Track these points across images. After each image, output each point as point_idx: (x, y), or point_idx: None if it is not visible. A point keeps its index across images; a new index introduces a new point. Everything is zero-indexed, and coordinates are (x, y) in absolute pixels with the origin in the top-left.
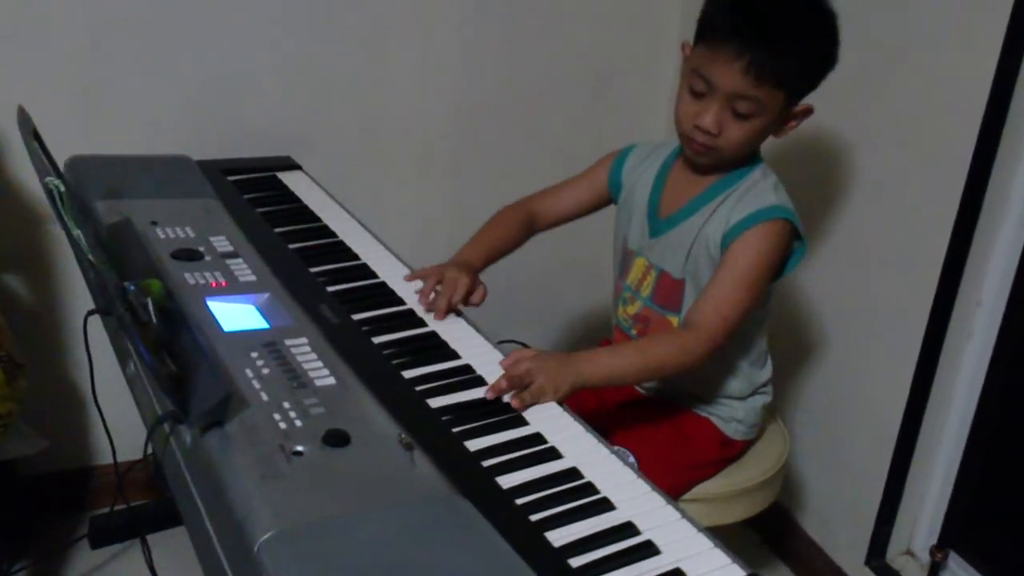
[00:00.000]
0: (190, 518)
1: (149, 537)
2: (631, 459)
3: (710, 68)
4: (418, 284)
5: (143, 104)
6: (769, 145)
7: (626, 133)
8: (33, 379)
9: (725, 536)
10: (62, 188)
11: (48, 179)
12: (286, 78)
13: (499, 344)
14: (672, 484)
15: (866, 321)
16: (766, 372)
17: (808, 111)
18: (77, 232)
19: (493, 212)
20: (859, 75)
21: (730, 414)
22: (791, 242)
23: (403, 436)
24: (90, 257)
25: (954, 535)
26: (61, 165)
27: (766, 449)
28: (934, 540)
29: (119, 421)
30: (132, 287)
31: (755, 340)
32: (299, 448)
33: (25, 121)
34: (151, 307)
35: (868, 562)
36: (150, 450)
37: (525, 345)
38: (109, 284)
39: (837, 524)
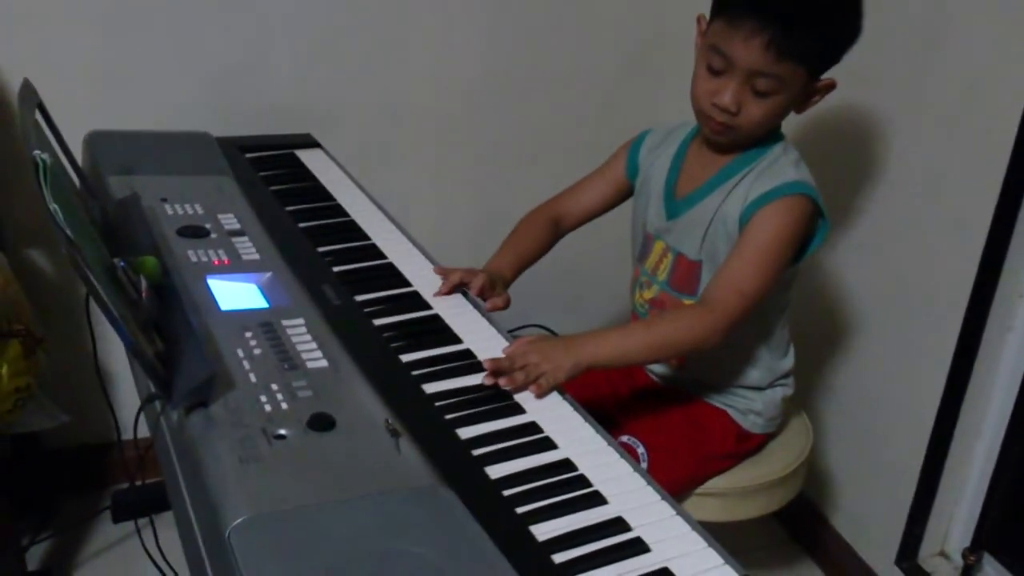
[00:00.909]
0: (174, 499)
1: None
2: (641, 450)
3: (729, 45)
4: (428, 266)
5: (166, 81)
6: (800, 122)
7: (655, 115)
8: (58, 353)
9: (751, 530)
10: (48, 161)
11: (36, 152)
12: (308, 55)
13: (520, 329)
14: (683, 477)
15: (900, 311)
16: (787, 362)
17: (831, 86)
18: (54, 206)
19: (513, 195)
20: (897, 53)
21: (747, 406)
22: (813, 220)
23: (390, 422)
24: (67, 232)
25: (989, 537)
26: (80, 140)
27: (787, 443)
28: (968, 542)
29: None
30: (123, 264)
31: (775, 327)
32: (282, 431)
33: (30, 94)
34: (143, 284)
35: (899, 562)
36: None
37: (549, 330)
38: (81, 260)
39: (867, 522)
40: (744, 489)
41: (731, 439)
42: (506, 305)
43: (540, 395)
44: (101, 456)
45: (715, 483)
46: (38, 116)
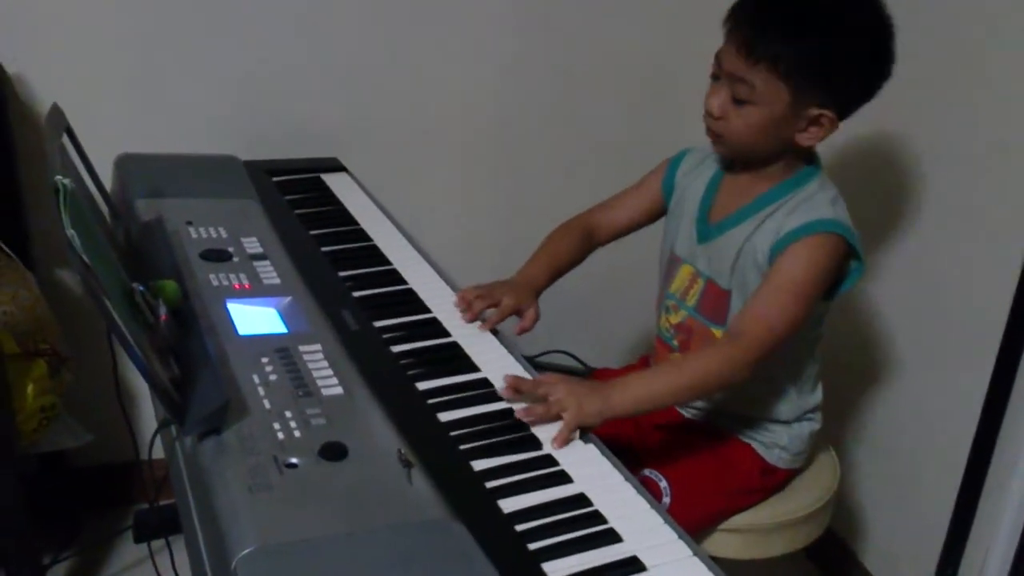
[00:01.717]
0: (186, 525)
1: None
2: (663, 484)
3: (721, 49)
4: (448, 292)
5: (197, 105)
6: (834, 152)
7: (681, 133)
8: (83, 373)
9: (780, 567)
10: (69, 187)
11: (57, 177)
12: (335, 80)
13: (544, 355)
14: (707, 512)
15: (933, 343)
16: (815, 397)
17: (832, 121)
18: (71, 232)
19: (539, 216)
20: (934, 79)
21: (773, 440)
22: (846, 260)
23: (402, 452)
24: (83, 257)
25: None
26: (110, 163)
27: (814, 479)
28: None
29: None
30: (142, 288)
31: (805, 362)
32: (293, 460)
33: (58, 119)
34: (162, 309)
35: None
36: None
37: (574, 356)
38: (96, 285)
39: (899, 560)
40: (769, 526)
41: (756, 473)
42: (535, 321)
43: (563, 438)
44: (124, 476)
45: (739, 519)
46: (66, 140)
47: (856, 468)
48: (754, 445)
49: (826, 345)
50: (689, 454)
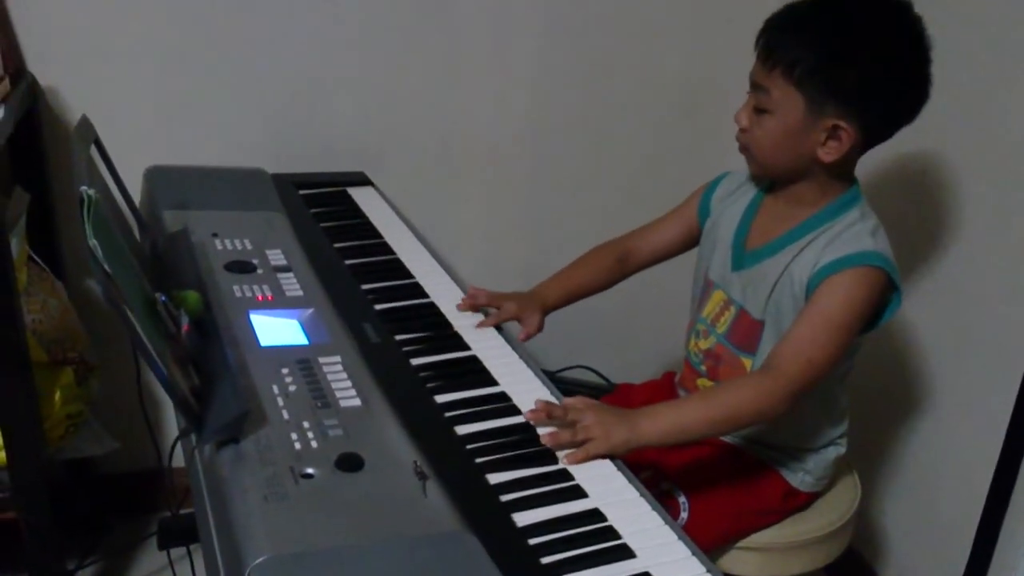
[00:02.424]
0: (203, 532)
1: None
2: (682, 499)
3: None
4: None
5: (229, 118)
6: (862, 171)
7: (717, 154)
8: (111, 381)
9: None
10: (93, 197)
11: (82, 188)
12: (364, 95)
13: (567, 370)
14: (723, 530)
15: (957, 365)
16: (843, 425)
17: (849, 134)
18: (93, 242)
19: (565, 233)
20: (965, 103)
21: (798, 464)
22: (886, 293)
23: (418, 464)
24: (105, 267)
25: None
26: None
27: (835, 499)
28: None
29: None
30: (164, 298)
31: (836, 395)
32: (309, 471)
33: (86, 130)
34: (184, 319)
35: None
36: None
37: (597, 372)
38: (117, 295)
39: None
40: (788, 545)
41: (778, 496)
42: (537, 331)
43: (580, 460)
44: (150, 483)
45: (758, 538)
46: (95, 152)
47: (878, 488)
48: (778, 468)
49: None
50: (710, 471)
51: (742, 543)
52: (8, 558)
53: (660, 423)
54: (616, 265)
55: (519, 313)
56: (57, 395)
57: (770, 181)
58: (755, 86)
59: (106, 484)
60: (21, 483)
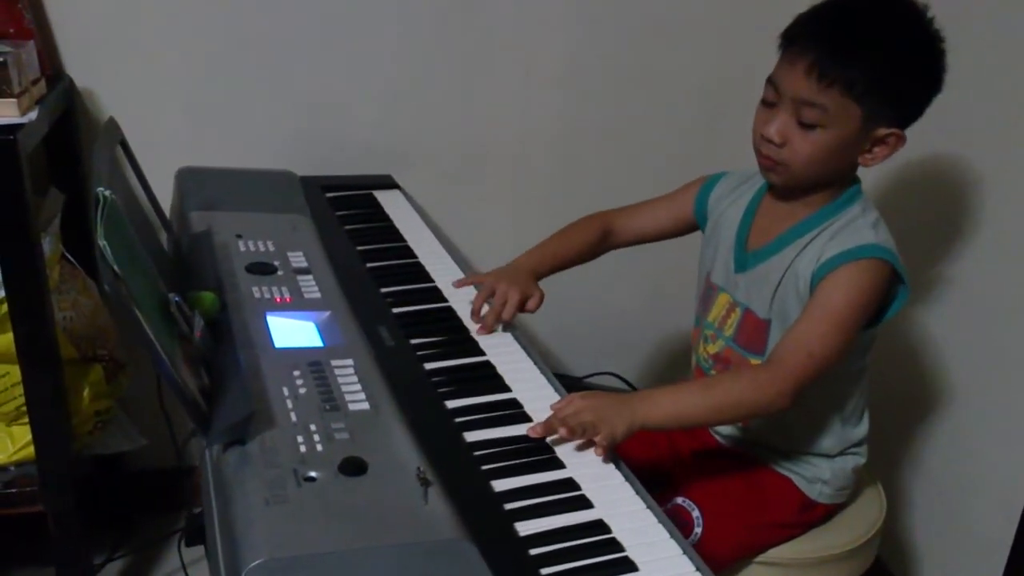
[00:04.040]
0: (208, 532)
1: None
2: (696, 513)
3: (779, 73)
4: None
5: (258, 120)
6: (889, 173)
7: (746, 158)
8: (140, 379)
9: None
10: (108, 198)
11: (99, 188)
12: (393, 98)
13: (592, 376)
14: (738, 545)
15: (986, 371)
16: (861, 430)
17: (899, 137)
18: (103, 242)
19: None
20: (992, 104)
21: (815, 474)
22: (892, 286)
23: (421, 470)
24: (114, 267)
25: None
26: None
27: (858, 514)
28: None
29: None
30: (178, 299)
31: (849, 395)
32: (312, 474)
33: (112, 131)
34: (197, 320)
35: None
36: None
37: (622, 379)
38: (124, 295)
39: None
40: (810, 560)
41: (794, 508)
42: (539, 304)
43: (603, 452)
44: (178, 479)
45: (778, 552)
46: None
47: (906, 503)
48: (794, 479)
49: (873, 372)
50: (725, 484)
51: (761, 558)
52: (36, 551)
53: (660, 407)
54: (601, 239)
55: (525, 295)
56: (86, 392)
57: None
58: (800, 101)
59: (135, 480)
60: (48, 477)
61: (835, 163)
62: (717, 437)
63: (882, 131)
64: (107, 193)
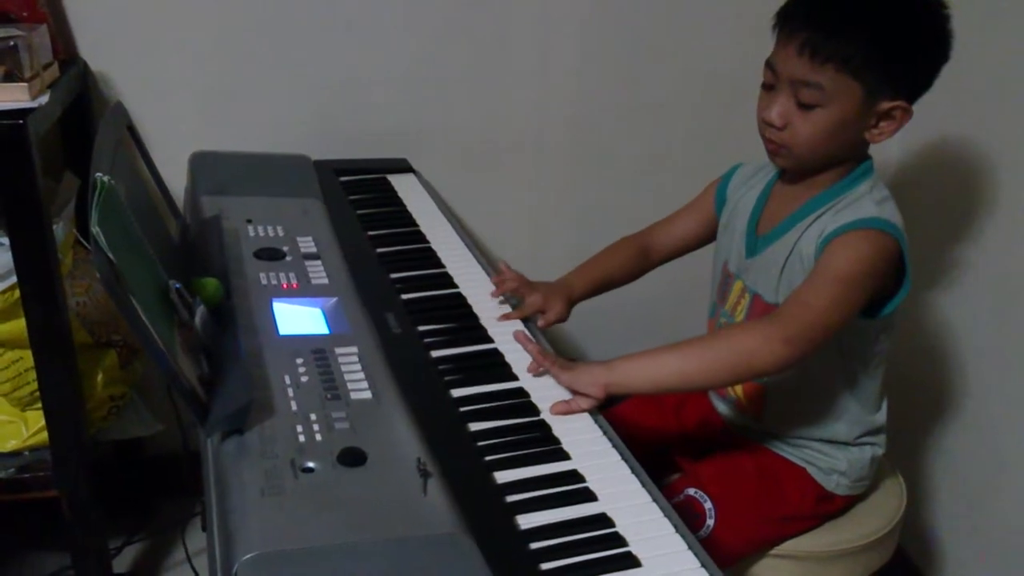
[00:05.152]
0: (208, 521)
1: None
2: (708, 505)
3: (775, 56)
4: (498, 298)
5: (274, 103)
6: (899, 155)
7: (756, 144)
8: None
9: None
10: (107, 183)
11: (97, 174)
12: (409, 81)
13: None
14: (752, 538)
15: (1010, 360)
16: (878, 418)
17: (905, 111)
18: (96, 229)
19: (610, 225)
20: (1011, 89)
21: (831, 464)
22: (897, 268)
23: (421, 461)
24: (108, 254)
25: None
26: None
27: (878, 506)
28: None
29: None
30: (178, 286)
31: (865, 380)
32: (310, 464)
33: (119, 116)
34: (199, 307)
35: None
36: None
37: None
38: (117, 282)
39: None
40: (828, 554)
41: (810, 500)
42: (558, 319)
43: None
44: (196, 464)
45: (795, 545)
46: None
47: (929, 493)
48: (810, 470)
49: (892, 360)
50: (739, 475)
51: (776, 551)
52: (52, 536)
53: (642, 362)
54: (638, 258)
55: (544, 304)
56: (100, 377)
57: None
58: (796, 82)
59: (153, 465)
60: (62, 462)
61: (839, 141)
62: (730, 424)
63: (886, 105)
64: (105, 179)
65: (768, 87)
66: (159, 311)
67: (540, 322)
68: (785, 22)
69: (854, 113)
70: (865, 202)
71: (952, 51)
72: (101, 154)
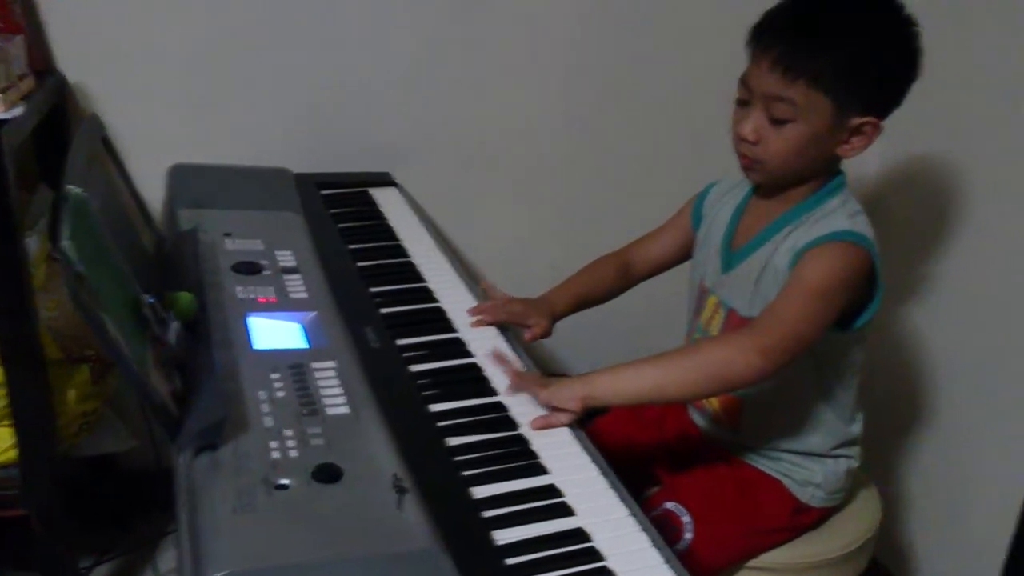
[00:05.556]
0: (179, 539)
1: None
2: (686, 519)
3: (748, 72)
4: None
5: (255, 116)
6: (870, 170)
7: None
8: None
9: None
10: (79, 196)
11: (69, 186)
12: (392, 94)
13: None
14: (729, 551)
15: (987, 372)
16: (853, 431)
17: (875, 126)
18: (66, 242)
19: (594, 240)
20: (995, 104)
21: (806, 477)
22: (869, 281)
23: (398, 477)
24: (77, 268)
25: None
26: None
27: (854, 517)
28: None
29: None
30: (152, 300)
31: (840, 392)
32: (284, 481)
33: (94, 128)
34: (172, 321)
35: None
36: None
37: None
38: (86, 297)
39: None
40: (803, 566)
41: (786, 512)
42: (543, 335)
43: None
44: (169, 481)
45: (771, 557)
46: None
47: (905, 504)
48: (785, 482)
49: (870, 374)
50: (716, 488)
51: (752, 563)
52: (20, 555)
53: (618, 376)
54: (619, 276)
55: (526, 317)
56: (72, 393)
57: (767, 186)
58: (769, 97)
59: (127, 481)
60: (31, 480)
61: (811, 156)
62: (706, 435)
63: (856, 120)
64: (76, 191)
65: (742, 103)
66: (131, 326)
67: (526, 336)
68: (758, 39)
69: (825, 128)
70: (837, 216)
71: (922, 69)
72: (74, 166)
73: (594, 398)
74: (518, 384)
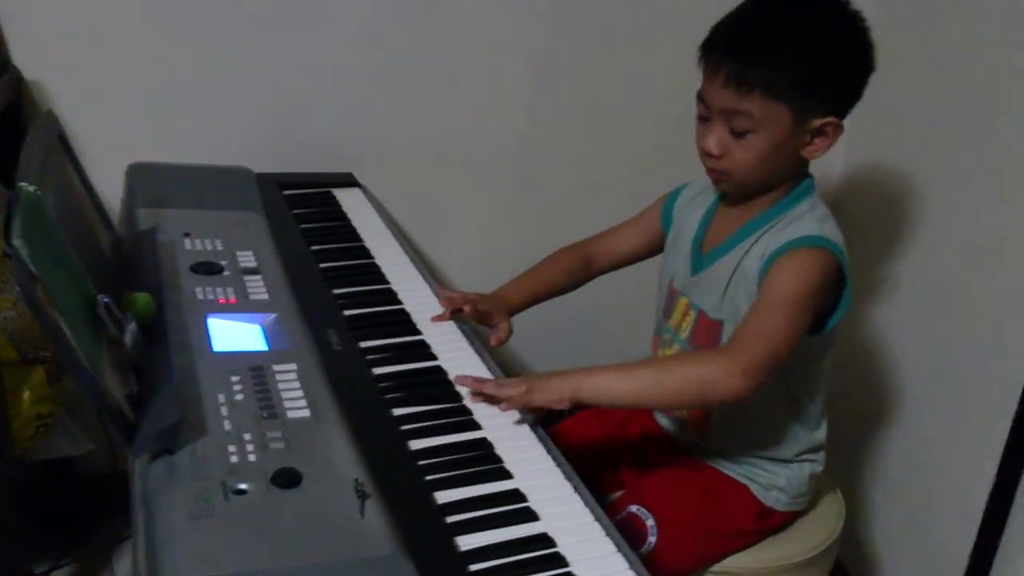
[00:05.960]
0: (134, 547)
1: None
2: (650, 522)
3: (703, 89)
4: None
5: (217, 115)
6: (832, 175)
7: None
8: None
9: None
10: (32, 194)
11: (22, 184)
12: (356, 95)
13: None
14: (693, 554)
15: (950, 377)
16: (818, 436)
17: (836, 126)
18: (18, 241)
19: (558, 238)
20: (959, 113)
21: (771, 481)
22: (837, 286)
23: (359, 482)
24: (29, 267)
25: None
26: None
27: (818, 521)
28: None
29: None
30: (107, 300)
31: (806, 397)
32: (242, 486)
33: (49, 125)
34: (128, 322)
35: None
36: None
37: None
38: (39, 297)
39: None
40: (767, 570)
41: (751, 516)
42: (509, 336)
43: (508, 408)
44: (126, 485)
45: (735, 561)
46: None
47: (867, 509)
48: (751, 487)
49: (834, 379)
50: (681, 491)
51: (717, 567)
52: None
53: (601, 378)
54: (579, 268)
55: (489, 315)
56: (26, 395)
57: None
58: (727, 111)
59: (84, 485)
60: None
61: (778, 162)
62: (673, 438)
63: (817, 122)
64: (30, 189)
65: (703, 119)
66: (86, 327)
67: (492, 341)
68: (708, 55)
69: (786, 134)
70: (806, 220)
71: (875, 62)
72: (28, 164)
73: (580, 399)
74: (496, 393)
